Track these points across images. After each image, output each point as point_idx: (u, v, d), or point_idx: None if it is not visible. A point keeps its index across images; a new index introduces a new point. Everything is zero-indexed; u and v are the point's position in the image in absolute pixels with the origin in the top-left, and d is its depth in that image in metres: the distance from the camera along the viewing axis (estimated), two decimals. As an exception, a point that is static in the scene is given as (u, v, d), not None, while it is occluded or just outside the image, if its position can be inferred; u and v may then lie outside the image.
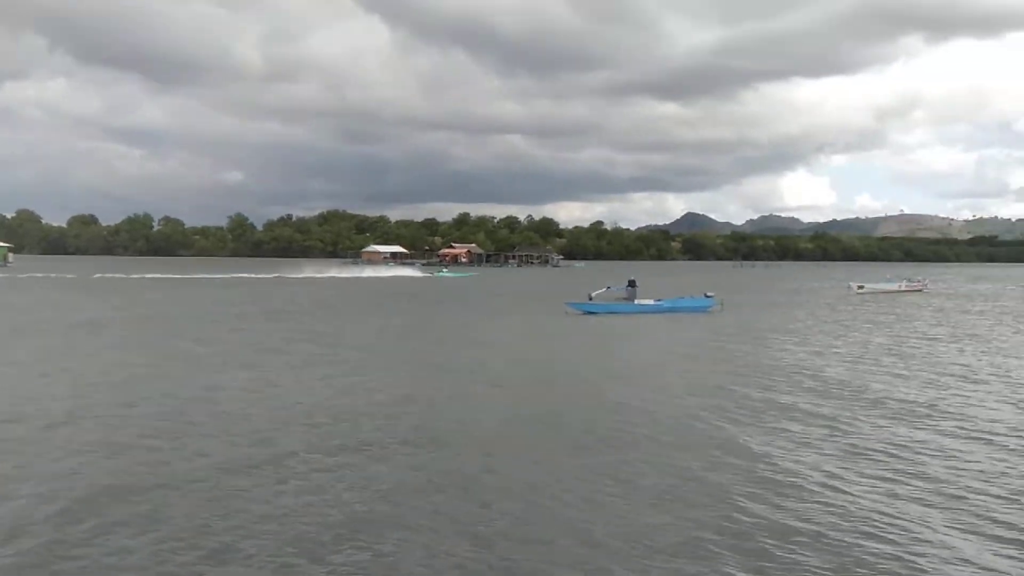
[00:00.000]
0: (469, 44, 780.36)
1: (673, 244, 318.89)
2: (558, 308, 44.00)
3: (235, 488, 10.78)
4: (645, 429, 14.61)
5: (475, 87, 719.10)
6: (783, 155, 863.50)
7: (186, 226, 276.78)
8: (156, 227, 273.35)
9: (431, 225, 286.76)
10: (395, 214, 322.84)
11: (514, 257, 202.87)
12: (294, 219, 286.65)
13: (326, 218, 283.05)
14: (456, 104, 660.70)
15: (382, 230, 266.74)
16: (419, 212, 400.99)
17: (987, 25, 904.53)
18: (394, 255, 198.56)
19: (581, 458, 12.58)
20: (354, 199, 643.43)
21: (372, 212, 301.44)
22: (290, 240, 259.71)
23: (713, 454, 12.88)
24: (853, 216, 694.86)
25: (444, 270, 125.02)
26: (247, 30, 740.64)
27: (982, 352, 27.28)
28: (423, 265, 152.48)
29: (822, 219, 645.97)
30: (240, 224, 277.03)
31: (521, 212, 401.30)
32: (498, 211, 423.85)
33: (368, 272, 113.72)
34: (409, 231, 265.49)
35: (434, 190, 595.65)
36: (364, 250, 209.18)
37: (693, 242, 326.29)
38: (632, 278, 47.24)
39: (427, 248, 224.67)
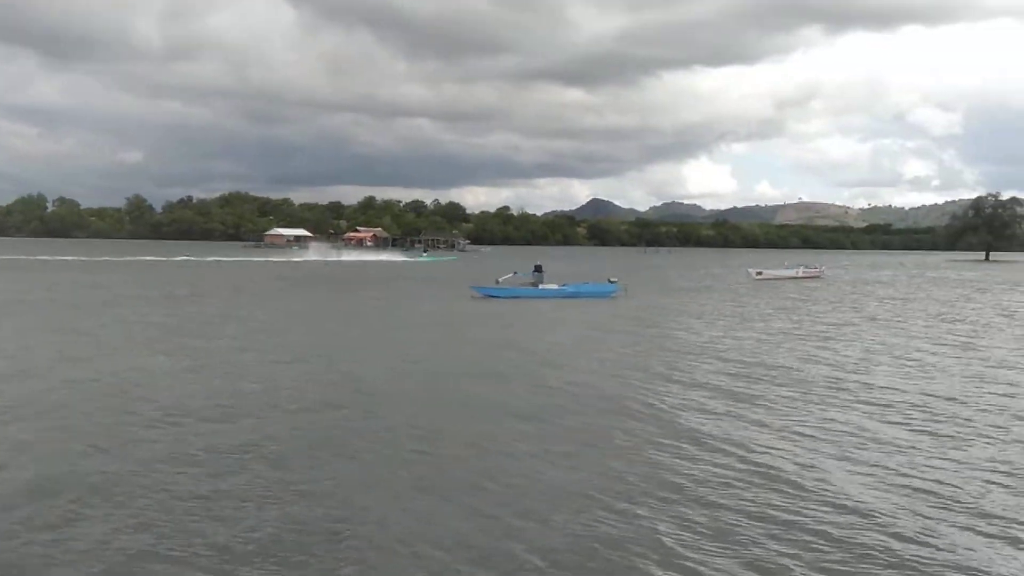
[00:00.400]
0: (375, 25, 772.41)
1: (579, 230, 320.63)
2: (464, 292, 44.13)
3: (164, 480, 10.77)
4: (567, 408, 15.07)
5: (381, 69, 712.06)
6: (686, 143, 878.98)
7: (82, 207, 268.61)
8: (50, 207, 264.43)
9: (336, 208, 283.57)
10: (299, 197, 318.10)
11: (420, 241, 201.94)
12: (195, 201, 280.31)
13: (228, 200, 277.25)
14: (362, 86, 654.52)
15: (286, 213, 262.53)
16: (324, 195, 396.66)
17: (883, 18, 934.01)
18: (298, 238, 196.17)
19: (508, 436, 12.95)
20: (257, 181, 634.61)
21: (275, 194, 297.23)
22: (191, 222, 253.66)
23: (632, 430, 13.36)
24: (753, 204, 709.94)
25: (424, 255, 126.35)
26: (146, 7, 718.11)
27: (875, 333, 28.40)
28: (405, 249, 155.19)
29: (723, 206, 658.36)
30: (138, 206, 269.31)
31: (428, 196, 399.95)
32: (404, 195, 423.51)
33: (351, 256, 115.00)
34: (314, 214, 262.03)
35: (339, 173, 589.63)
36: (267, 233, 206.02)
37: (598, 228, 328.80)
38: (538, 263, 47.49)
39: (332, 231, 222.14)
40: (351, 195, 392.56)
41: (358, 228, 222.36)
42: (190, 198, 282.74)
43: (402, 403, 15.35)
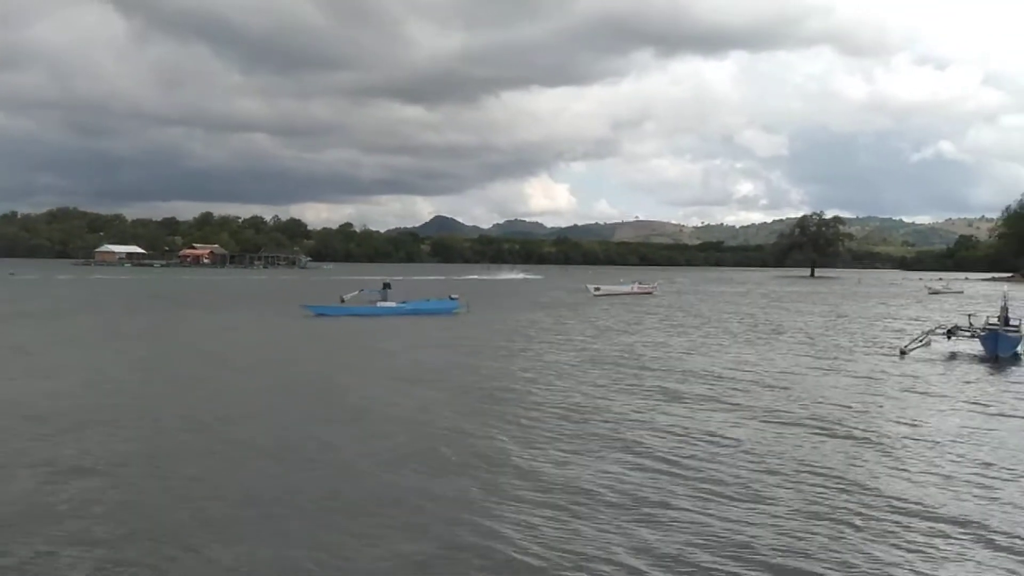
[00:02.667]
0: (209, 38, 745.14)
1: (423, 247, 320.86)
2: (296, 311, 43.27)
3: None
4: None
5: (215, 82, 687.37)
6: (525, 161, 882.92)
7: None
8: None
9: (171, 224, 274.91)
10: (131, 212, 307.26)
11: (260, 258, 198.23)
12: (19, 216, 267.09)
13: (55, 216, 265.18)
14: (195, 99, 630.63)
15: (117, 229, 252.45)
16: (158, 211, 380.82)
17: (711, 44, 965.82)
18: (130, 255, 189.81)
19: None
20: (85, 196, 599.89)
21: (105, 210, 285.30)
22: (15, 239, 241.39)
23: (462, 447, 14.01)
24: (593, 222, 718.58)
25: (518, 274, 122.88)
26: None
27: (692, 343, 29.93)
28: None
29: (564, 224, 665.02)
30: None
31: (267, 212, 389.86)
32: (243, 211, 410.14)
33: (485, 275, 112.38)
34: (147, 231, 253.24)
35: (173, 188, 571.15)
36: (97, 250, 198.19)
37: (442, 245, 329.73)
38: (387, 281, 47.66)
39: (167, 248, 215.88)
40: (186, 211, 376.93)
41: (195, 245, 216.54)
42: (14, 213, 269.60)
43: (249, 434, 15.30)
